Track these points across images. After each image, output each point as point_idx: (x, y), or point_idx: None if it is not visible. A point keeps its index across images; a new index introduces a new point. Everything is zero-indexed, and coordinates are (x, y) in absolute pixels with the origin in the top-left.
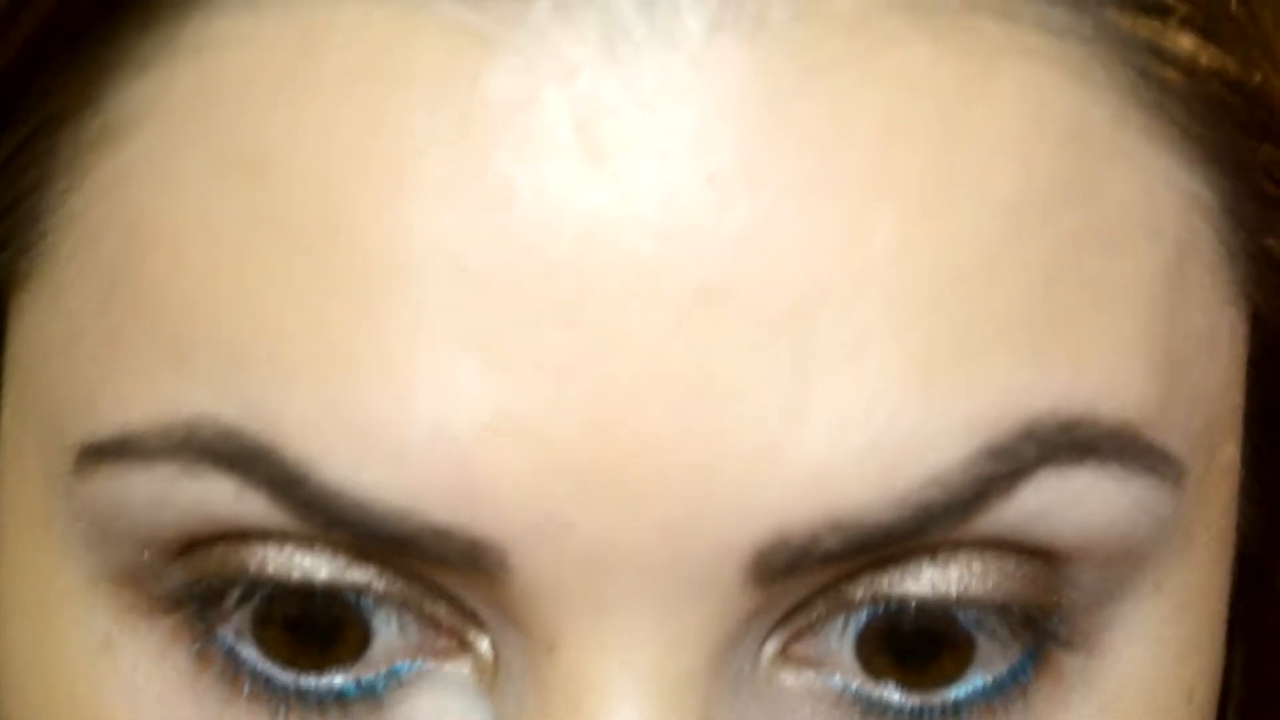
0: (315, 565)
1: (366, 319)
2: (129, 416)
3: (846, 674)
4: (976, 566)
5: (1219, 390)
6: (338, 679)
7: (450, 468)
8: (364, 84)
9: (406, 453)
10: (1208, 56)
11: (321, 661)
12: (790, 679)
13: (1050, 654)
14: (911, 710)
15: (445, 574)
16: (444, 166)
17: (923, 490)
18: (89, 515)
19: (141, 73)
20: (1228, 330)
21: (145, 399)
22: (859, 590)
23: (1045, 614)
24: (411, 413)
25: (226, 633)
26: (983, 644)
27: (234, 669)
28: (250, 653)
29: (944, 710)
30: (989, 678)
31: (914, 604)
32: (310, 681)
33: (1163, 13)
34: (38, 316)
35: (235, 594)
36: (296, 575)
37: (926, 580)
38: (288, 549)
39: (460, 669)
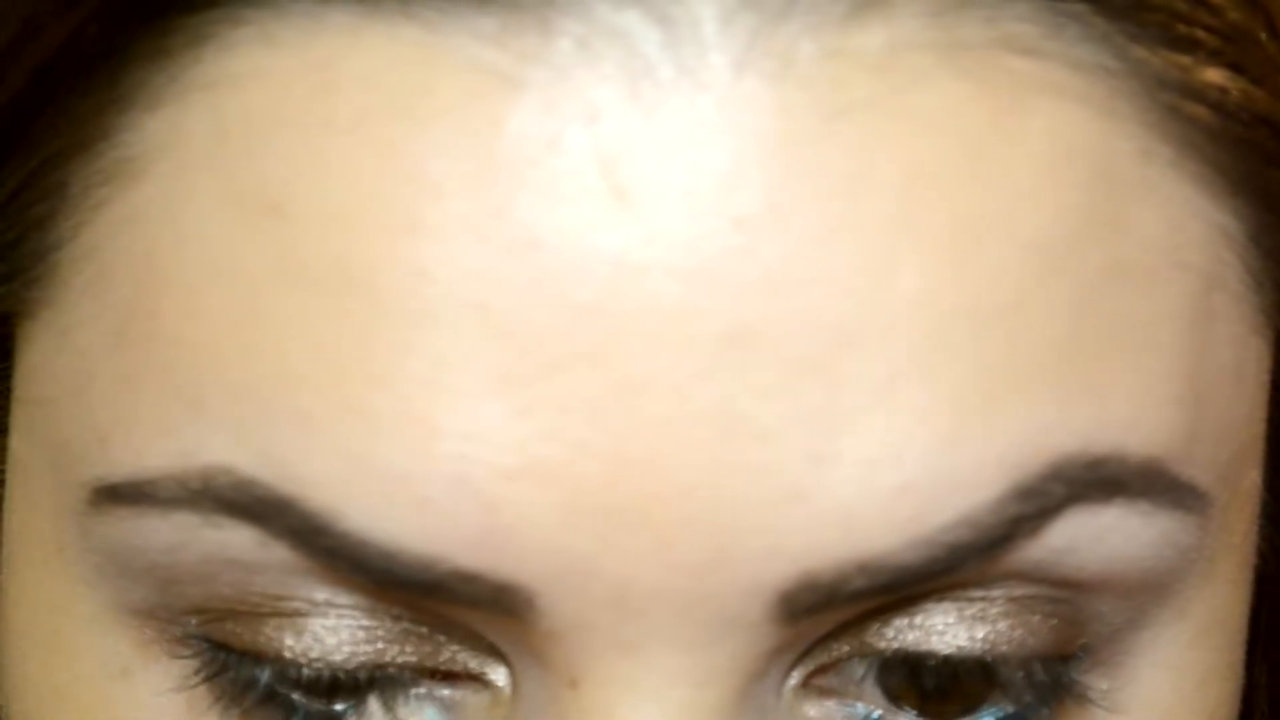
0: (334, 647)
1: (387, 366)
2: (144, 463)
3: (869, 703)
4: (1003, 625)
5: (1244, 419)
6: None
7: (475, 514)
8: (382, 124)
9: (430, 500)
10: (1236, 90)
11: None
12: (813, 709)
13: (1074, 682)
14: None
15: (469, 614)
16: (465, 209)
17: (951, 531)
18: (105, 551)
19: (154, 108)
20: (1254, 359)
21: (160, 446)
22: (884, 643)
23: (1073, 651)
24: (434, 460)
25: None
26: (1006, 675)
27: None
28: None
29: None
30: (1012, 707)
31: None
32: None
33: (1191, 47)
34: (48, 347)
35: (255, 672)
36: (316, 663)
37: (952, 639)
38: (305, 636)
39: (479, 701)
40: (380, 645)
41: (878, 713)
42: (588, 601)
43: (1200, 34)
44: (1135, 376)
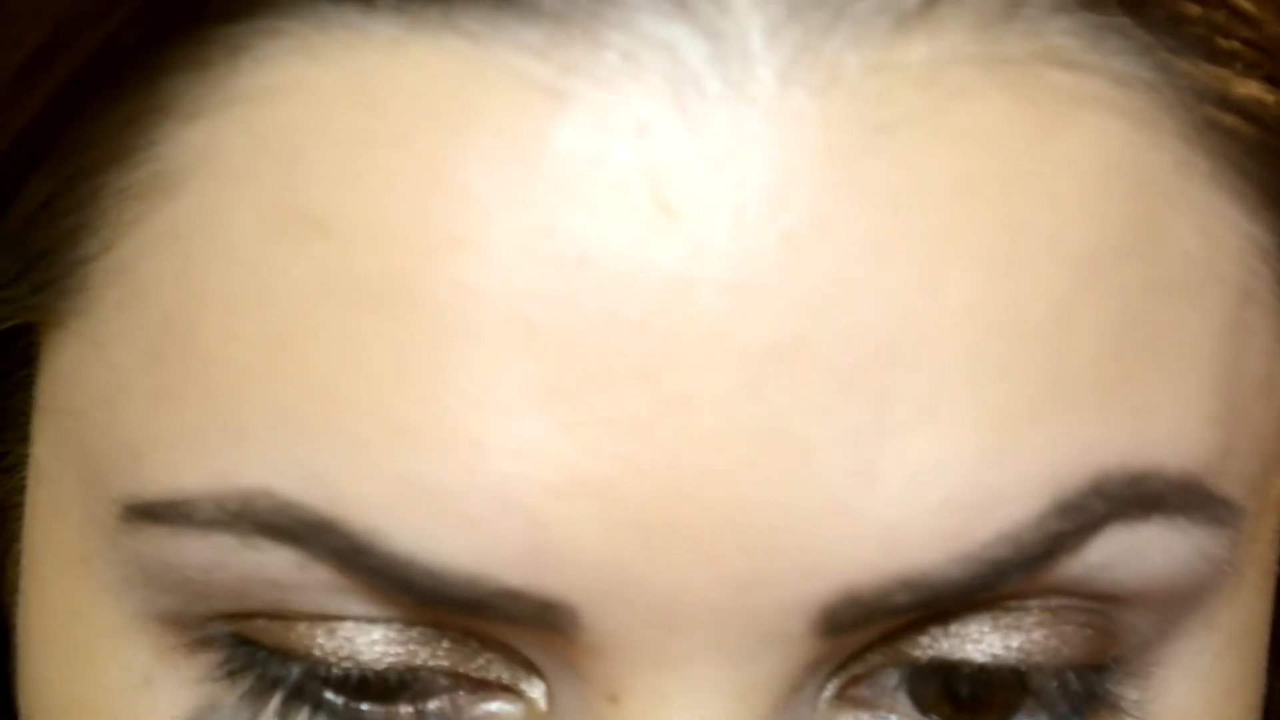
0: (365, 648)
1: (432, 384)
2: (180, 483)
3: (902, 715)
4: (1038, 635)
5: (1274, 430)
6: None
7: (521, 532)
8: (425, 137)
9: (476, 519)
10: (1272, 103)
11: (375, 695)
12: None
13: (1107, 692)
14: None
15: (511, 631)
16: (511, 224)
17: (994, 547)
18: (135, 564)
19: (191, 120)
20: None
21: (197, 466)
22: (918, 651)
23: (1106, 662)
24: (480, 478)
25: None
26: (1040, 684)
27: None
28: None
29: None
30: (1046, 717)
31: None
32: (361, 706)
33: (1229, 60)
34: (79, 357)
35: (284, 670)
36: (346, 663)
37: (987, 648)
38: (338, 635)
39: (513, 713)
40: (413, 648)
41: None
42: (631, 617)
43: (1238, 46)
44: (1174, 392)
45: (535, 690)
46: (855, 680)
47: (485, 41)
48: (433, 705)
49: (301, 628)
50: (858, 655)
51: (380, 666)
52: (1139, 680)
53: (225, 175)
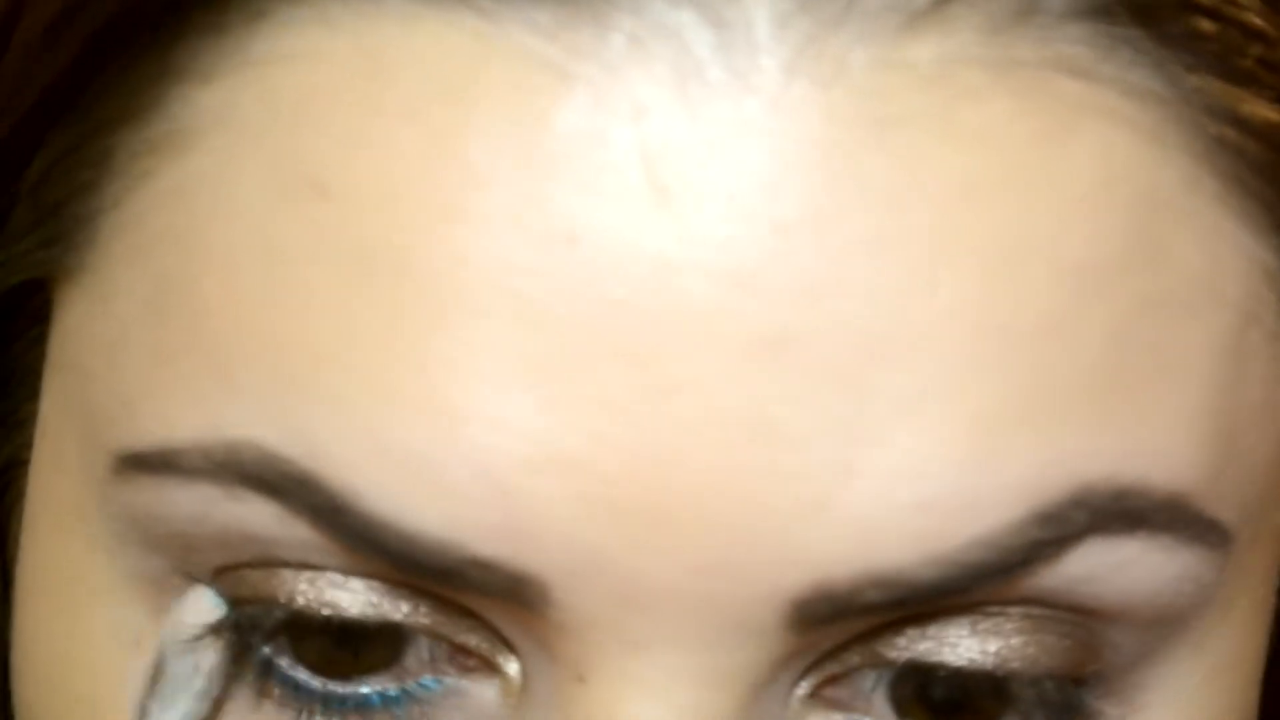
0: (347, 599)
1: (419, 350)
2: (171, 432)
3: (877, 716)
4: (1017, 641)
5: (1274, 458)
6: (364, 688)
7: (495, 502)
8: (432, 109)
9: (452, 486)
10: None
11: (353, 668)
12: None
13: (1085, 705)
14: None
15: (484, 603)
16: (508, 198)
17: (969, 551)
18: (126, 518)
19: (207, 82)
20: None
21: (189, 417)
22: (895, 652)
23: (1085, 676)
24: (459, 447)
25: (258, 638)
26: (1017, 691)
27: (264, 674)
28: (282, 659)
29: None
30: None
31: (951, 670)
32: (338, 688)
33: (1242, 79)
34: (85, 313)
35: (265, 616)
36: (326, 610)
37: (964, 652)
38: (319, 583)
39: (487, 690)
40: (394, 601)
41: None
42: (601, 596)
43: (1252, 66)
44: (1166, 409)
45: (511, 667)
46: (831, 680)
47: (497, 19)
48: (412, 664)
49: (285, 574)
50: (833, 655)
51: (362, 617)
52: (1120, 699)
53: (236, 136)
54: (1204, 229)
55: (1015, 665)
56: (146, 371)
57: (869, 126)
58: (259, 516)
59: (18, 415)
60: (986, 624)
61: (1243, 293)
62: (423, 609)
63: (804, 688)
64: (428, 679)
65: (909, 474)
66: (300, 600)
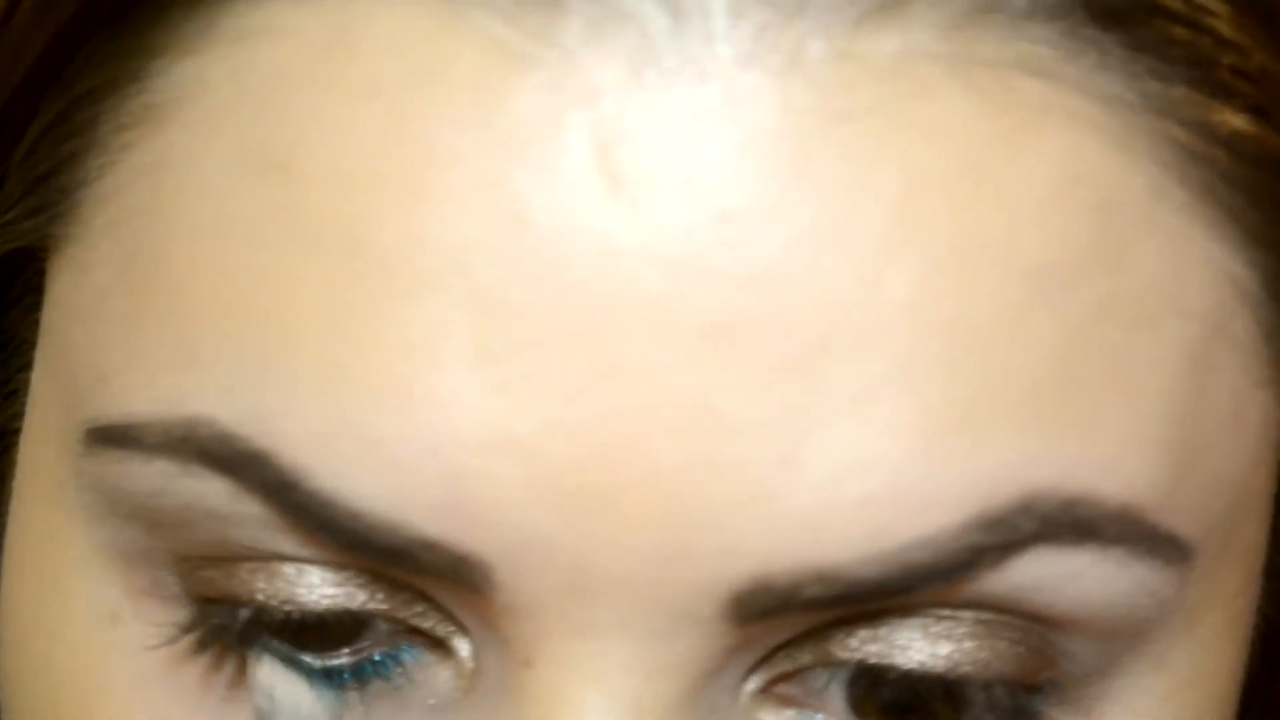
0: (303, 593)
1: (372, 329)
2: (134, 407)
3: (830, 714)
4: (969, 645)
5: (1244, 473)
6: (334, 660)
7: (441, 482)
8: (393, 89)
9: (399, 465)
10: (1257, 135)
11: (321, 644)
12: (771, 717)
13: (1038, 713)
14: None
15: (432, 584)
16: (465, 180)
17: (910, 551)
18: (95, 491)
19: (184, 56)
20: (1258, 413)
21: (151, 391)
22: (846, 653)
23: (1039, 683)
24: (409, 427)
25: (231, 620)
26: (968, 695)
27: (239, 652)
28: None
29: None
30: None
31: (902, 672)
32: (311, 660)
33: (1214, 88)
34: (71, 282)
35: (231, 619)
36: (287, 607)
37: (915, 654)
38: (276, 581)
39: (442, 671)
40: (350, 589)
41: None
42: (545, 580)
43: (1225, 75)
44: (1120, 418)
45: (464, 649)
46: (783, 677)
47: (460, 1)
48: (373, 653)
49: (243, 573)
50: (784, 652)
51: (319, 608)
52: (1077, 709)
53: (207, 111)
54: (1169, 238)
55: (967, 669)
56: (117, 343)
57: (823, 117)
58: (214, 493)
59: (11, 385)
60: (938, 627)
61: (1209, 304)
62: (379, 595)
63: (754, 683)
64: (381, 655)
65: (853, 469)
66: (260, 597)
